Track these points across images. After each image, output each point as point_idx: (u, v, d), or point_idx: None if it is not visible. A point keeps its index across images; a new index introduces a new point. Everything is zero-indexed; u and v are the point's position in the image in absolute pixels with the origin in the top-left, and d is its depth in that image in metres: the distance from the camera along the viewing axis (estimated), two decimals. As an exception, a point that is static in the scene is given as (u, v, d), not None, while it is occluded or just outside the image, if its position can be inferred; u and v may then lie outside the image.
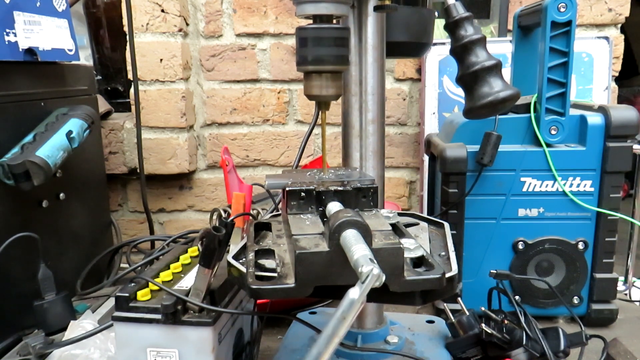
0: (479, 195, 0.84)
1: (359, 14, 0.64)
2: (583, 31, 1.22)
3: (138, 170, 1.23)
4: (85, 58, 1.45)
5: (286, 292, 0.45)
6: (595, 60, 1.17)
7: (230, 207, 0.86)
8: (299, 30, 0.55)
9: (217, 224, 0.55)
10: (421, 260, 0.51)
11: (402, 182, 1.34)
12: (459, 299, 0.74)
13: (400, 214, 0.65)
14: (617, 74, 1.22)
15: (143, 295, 0.58)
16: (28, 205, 0.85)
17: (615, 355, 0.72)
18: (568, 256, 0.85)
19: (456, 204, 0.84)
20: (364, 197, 0.56)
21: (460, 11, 0.64)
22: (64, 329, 0.70)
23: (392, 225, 0.55)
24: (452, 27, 0.64)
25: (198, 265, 0.56)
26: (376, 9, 0.63)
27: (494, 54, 0.64)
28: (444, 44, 1.18)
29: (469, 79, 0.63)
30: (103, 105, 1.26)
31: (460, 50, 0.64)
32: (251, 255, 0.52)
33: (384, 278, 0.37)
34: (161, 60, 1.23)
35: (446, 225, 0.64)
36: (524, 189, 0.84)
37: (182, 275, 0.64)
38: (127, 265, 1.05)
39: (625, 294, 1.08)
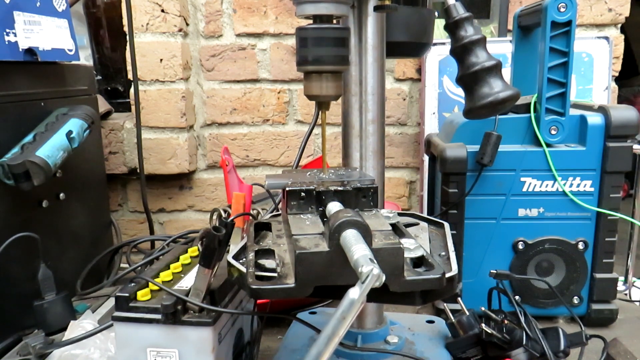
0: (479, 195, 0.84)
1: (359, 14, 0.64)
2: (583, 31, 1.22)
3: (138, 170, 1.23)
4: (85, 58, 1.45)
5: (286, 292, 0.45)
6: (595, 60, 1.17)
7: (230, 207, 0.86)
8: (299, 30, 0.55)
9: (217, 224, 0.55)
10: (421, 260, 0.51)
11: (402, 182, 1.34)
12: (459, 299, 0.74)
13: (400, 214, 0.65)
14: (617, 74, 1.22)
15: (143, 295, 0.58)
16: (28, 205, 0.85)
17: (615, 355, 0.72)
18: (568, 256, 0.85)
19: (456, 204, 0.84)
20: (364, 197, 0.56)
21: (460, 11, 0.64)
22: (64, 329, 0.70)
23: (392, 225, 0.55)
24: (452, 27, 0.64)
25: (198, 265, 0.56)
26: (376, 9, 0.63)
27: (494, 54, 0.64)
28: (444, 44, 1.18)
29: (469, 80, 0.64)
30: (103, 105, 1.26)
31: (460, 51, 0.64)
32: (251, 255, 0.52)
33: (384, 278, 0.37)
34: (161, 60, 1.23)
35: (446, 225, 0.64)
36: (524, 189, 0.84)
37: (182, 275, 0.64)
38: (127, 265, 1.05)
39: (625, 294, 1.08)
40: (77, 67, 1.02)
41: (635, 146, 0.81)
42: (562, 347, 0.68)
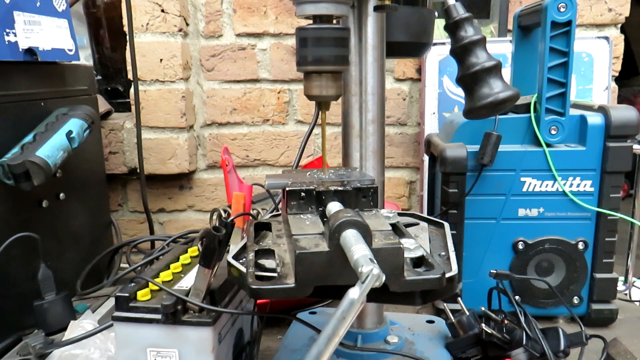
0: (479, 195, 0.84)
1: (359, 14, 0.64)
2: (583, 31, 1.22)
3: (138, 170, 1.23)
4: (85, 58, 1.45)
5: (286, 292, 0.45)
6: (595, 60, 1.17)
7: (230, 207, 0.86)
8: (299, 30, 0.55)
9: (217, 224, 0.55)
10: (421, 260, 0.51)
11: (402, 182, 1.34)
12: (459, 299, 0.74)
13: (400, 214, 0.65)
14: (617, 74, 1.22)
15: (143, 295, 0.58)
16: (28, 205, 0.85)
17: (615, 355, 0.72)
18: (568, 256, 0.85)
19: (456, 204, 0.84)
20: (364, 197, 0.56)
21: (460, 12, 0.64)
22: (64, 329, 0.70)
23: (392, 225, 0.55)
24: (452, 28, 0.64)
25: (198, 265, 0.56)
26: (376, 9, 0.63)
27: (494, 54, 0.64)
28: (444, 44, 1.18)
29: (469, 80, 0.64)
30: (103, 105, 1.26)
31: (461, 51, 0.64)
32: (251, 255, 0.52)
33: (384, 278, 0.37)
34: (161, 60, 1.23)
35: (446, 225, 0.64)
36: (524, 189, 0.84)
37: (182, 275, 0.64)
38: (127, 265, 1.05)
39: (625, 294, 1.08)
40: (77, 67, 1.02)
41: (635, 146, 0.81)
42: (562, 347, 0.68)
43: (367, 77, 0.65)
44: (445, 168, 0.83)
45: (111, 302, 0.86)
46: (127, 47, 1.19)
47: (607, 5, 1.21)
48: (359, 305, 0.36)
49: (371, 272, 0.37)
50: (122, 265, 1.09)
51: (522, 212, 0.84)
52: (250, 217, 0.76)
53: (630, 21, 1.25)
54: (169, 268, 0.65)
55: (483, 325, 0.69)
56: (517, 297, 0.84)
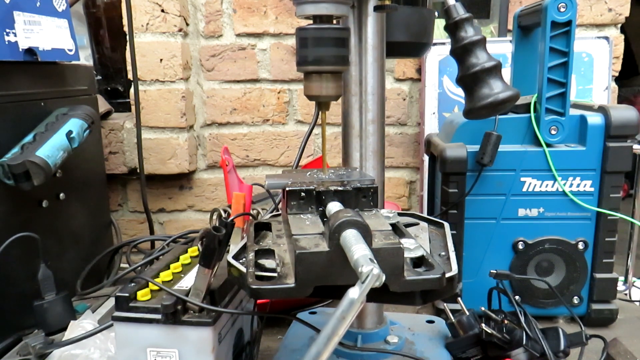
0: (479, 195, 0.84)
1: (359, 14, 0.64)
2: (583, 31, 1.22)
3: (138, 170, 1.23)
4: (85, 58, 1.45)
5: (286, 292, 0.45)
6: (595, 60, 1.17)
7: (230, 207, 0.86)
8: (299, 30, 0.55)
9: (217, 224, 0.55)
10: (421, 260, 0.51)
11: (402, 182, 1.34)
12: (459, 299, 0.74)
13: (400, 214, 0.65)
14: (617, 74, 1.22)
15: (143, 295, 0.58)
16: (28, 205, 0.85)
17: (615, 355, 0.72)
18: (568, 256, 0.85)
19: (456, 204, 0.84)
20: (364, 197, 0.56)
21: (460, 12, 0.64)
22: (64, 329, 0.70)
23: (392, 225, 0.55)
24: (452, 28, 0.64)
25: (198, 265, 0.56)
26: (376, 9, 0.63)
27: (493, 54, 0.64)
28: (444, 44, 1.18)
29: (469, 80, 0.64)
30: (103, 105, 1.26)
31: (461, 52, 0.64)
32: (251, 255, 0.52)
33: (384, 278, 0.37)
34: (161, 60, 1.23)
35: (446, 225, 0.64)
36: (524, 189, 0.84)
37: (182, 275, 0.64)
38: (127, 265, 1.05)
39: (625, 294, 1.08)
40: (77, 67, 1.02)
41: (635, 146, 0.81)
42: (562, 347, 0.68)
43: (367, 77, 0.65)
44: (445, 168, 0.83)
45: (111, 302, 0.86)
46: (127, 47, 1.19)
47: (607, 5, 1.21)
48: (359, 305, 0.36)
49: (371, 272, 0.37)
50: (122, 265, 1.09)
51: (522, 212, 0.84)
52: (250, 217, 0.76)
53: (630, 21, 1.25)
54: (169, 268, 0.65)
55: (483, 325, 0.69)
56: (517, 297, 0.84)
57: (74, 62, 1.00)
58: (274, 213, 0.78)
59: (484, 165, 0.81)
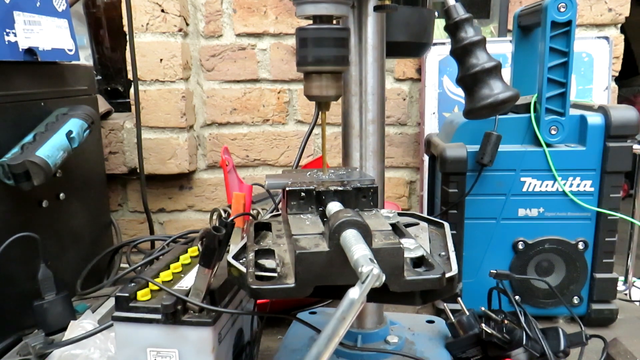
0: (479, 195, 0.84)
1: (359, 14, 0.64)
2: (583, 31, 1.22)
3: (138, 170, 1.23)
4: (85, 58, 1.45)
5: (286, 292, 0.45)
6: (595, 60, 1.17)
7: (230, 207, 0.86)
8: (299, 30, 0.55)
9: (217, 224, 0.55)
10: (421, 260, 0.51)
11: (402, 182, 1.34)
12: (459, 299, 0.74)
13: (400, 214, 0.65)
14: (617, 74, 1.22)
15: (143, 295, 0.58)
16: (28, 205, 0.85)
17: (615, 355, 0.72)
18: (568, 256, 0.85)
19: (456, 204, 0.84)
20: (364, 197, 0.56)
21: (460, 13, 0.64)
22: (64, 329, 0.70)
23: (392, 225, 0.55)
24: (452, 28, 0.64)
25: (198, 265, 0.56)
26: (376, 9, 0.63)
27: (493, 54, 0.64)
28: (444, 44, 1.18)
29: (469, 81, 0.64)
30: (103, 105, 1.26)
31: (461, 52, 0.64)
32: (251, 255, 0.52)
33: (384, 278, 0.37)
34: (161, 60, 1.23)
35: (446, 225, 0.64)
36: (524, 189, 0.84)
37: (182, 275, 0.64)
38: (127, 265, 1.05)
39: (625, 294, 1.08)
40: (77, 67, 1.02)
41: (635, 146, 0.81)
42: (562, 347, 0.68)
43: (367, 77, 0.65)
44: (445, 168, 0.83)
45: (111, 302, 0.86)
46: (127, 47, 1.19)
47: (607, 5, 1.21)
48: (359, 305, 0.36)
49: (371, 272, 0.37)
50: (122, 265, 1.09)
51: (522, 212, 0.84)
52: (250, 217, 0.76)
53: (630, 21, 1.25)
54: (169, 268, 0.65)
55: (483, 325, 0.69)
56: (517, 297, 0.84)
57: (74, 62, 1.00)
58: (274, 213, 0.78)
59: (484, 165, 0.81)
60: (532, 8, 0.85)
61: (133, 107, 1.24)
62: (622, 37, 1.23)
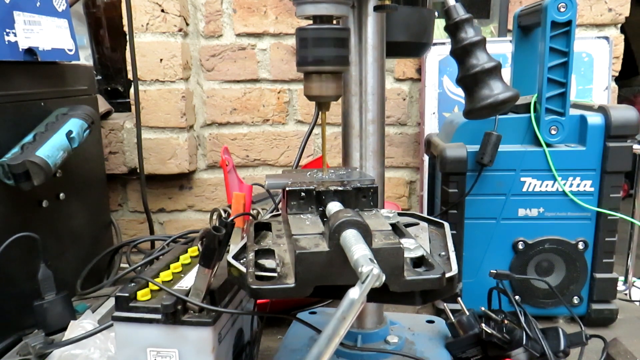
0: (479, 195, 0.84)
1: (359, 14, 0.64)
2: (583, 31, 1.22)
3: (138, 170, 1.23)
4: (85, 58, 1.45)
5: (286, 292, 0.45)
6: (595, 60, 1.17)
7: (230, 207, 0.86)
8: (299, 30, 0.55)
9: (217, 224, 0.55)
10: (421, 260, 0.51)
11: (402, 182, 1.34)
12: (459, 299, 0.74)
13: (400, 214, 0.65)
14: (617, 74, 1.22)
15: (143, 295, 0.58)
16: (28, 205, 0.85)
17: (615, 355, 0.72)
18: (568, 256, 0.85)
19: (456, 204, 0.84)
20: (364, 197, 0.56)
21: (460, 13, 0.64)
22: (64, 329, 0.70)
23: (392, 225, 0.55)
24: (453, 29, 0.64)
25: (198, 265, 0.56)
26: (376, 9, 0.63)
27: (493, 54, 0.64)
28: (444, 44, 1.18)
29: (469, 81, 0.64)
30: (103, 105, 1.26)
31: (461, 52, 0.64)
32: (251, 255, 0.52)
33: (384, 278, 0.37)
34: (161, 60, 1.23)
35: (446, 225, 0.64)
36: (524, 189, 0.84)
37: (182, 275, 0.64)
38: (127, 265, 1.05)
39: (625, 294, 1.08)
40: (77, 67, 1.02)
41: (635, 146, 0.81)
42: (562, 347, 0.68)
43: (367, 77, 0.65)
44: (445, 168, 0.83)
45: (111, 302, 0.86)
46: (127, 47, 1.19)
47: (607, 5, 1.21)
48: (359, 305, 0.36)
49: (371, 272, 0.37)
50: (122, 265, 1.09)
51: (522, 212, 0.84)
52: (250, 217, 0.76)
53: (630, 21, 1.25)
54: (169, 268, 0.65)
55: (483, 325, 0.69)
56: (517, 297, 0.84)
57: (74, 62, 1.00)
58: (274, 213, 0.78)
59: (484, 165, 0.81)
60: (532, 8, 0.85)
61: (133, 107, 1.24)
62: (622, 37, 1.23)
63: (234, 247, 0.56)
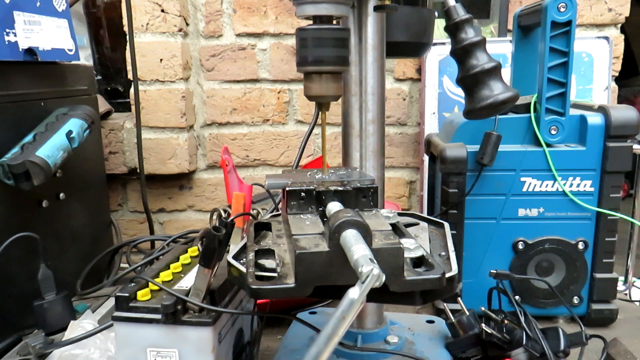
0: (479, 195, 0.84)
1: (359, 14, 0.64)
2: (583, 31, 1.22)
3: (138, 170, 1.23)
4: (85, 58, 1.45)
5: (286, 292, 0.45)
6: (595, 60, 1.17)
7: (230, 207, 0.86)
8: (299, 30, 0.55)
9: (217, 224, 0.55)
10: (421, 260, 0.51)
11: (402, 182, 1.34)
12: (459, 299, 0.74)
13: (400, 214, 0.65)
14: (617, 74, 1.22)
15: (143, 295, 0.58)
16: (28, 205, 0.85)
17: (615, 355, 0.72)
18: (568, 256, 0.85)
19: (456, 204, 0.84)
20: (364, 197, 0.56)
21: (460, 13, 0.64)
22: (64, 329, 0.70)
23: (392, 225, 0.55)
24: (453, 29, 0.64)
25: (198, 265, 0.56)
26: (376, 9, 0.63)
27: (493, 54, 0.64)
28: (444, 44, 1.18)
29: (469, 82, 0.64)
30: (103, 105, 1.26)
31: (461, 53, 0.64)
32: (251, 255, 0.52)
33: (384, 278, 0.37)
34: (161, 60, 1.23)
35: (446, 225, 0.64)
36: (524, 189, 0.84)
37: (182, 275, 0.64)
38: (127, 265, 1.05)
39: (625, 294, 1.08)
40: (77, 67, 1.02)
41: (635, 146, 0.81)
42: (562, 347, 0.68)
43: (367, 77, 0.65)
44: (445, 168, 0.83)
45: (111, 302, 0.86)
46: (127, 47, 1.19)
47: (607, 5, 1.21)
48: (359, 305, 0.36)
49: (371, 272, 0.37)
50: (122, 265, 1.09)
51: (522, 212, 0.84)
52: (250, 217, 0.76)
53: (630, 21, 1.25)
54: (169, 268, 0.65)
55: (483, 325, 0.69)
56: (517, 297, 0.84)
57: (74, 62, 1.00)
58: (274, 213, 0.78)
59: (484, 165, 0.81)
60: (532, 8, 0.85)
61: (133, 107, 1.24)
62: (622, 37, 1.23)
63: (234, 247, 0.56)
